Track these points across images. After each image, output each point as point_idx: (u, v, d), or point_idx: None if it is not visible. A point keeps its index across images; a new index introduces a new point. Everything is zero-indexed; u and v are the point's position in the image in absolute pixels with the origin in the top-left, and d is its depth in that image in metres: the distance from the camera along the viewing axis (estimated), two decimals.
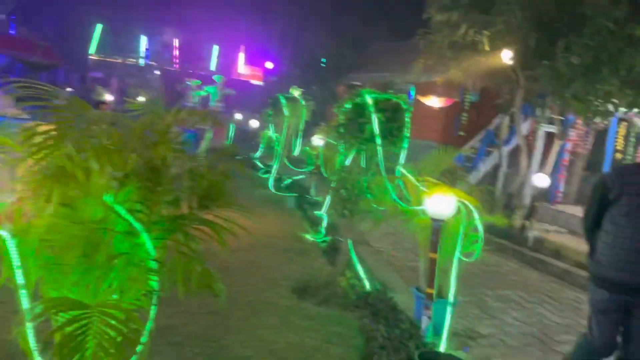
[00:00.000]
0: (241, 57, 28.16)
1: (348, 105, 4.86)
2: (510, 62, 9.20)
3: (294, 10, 24.29)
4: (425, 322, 3.98)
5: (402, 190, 4.69)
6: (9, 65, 19.82)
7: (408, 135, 4.81)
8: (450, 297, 4.34)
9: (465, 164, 13.51)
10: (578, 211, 11.71)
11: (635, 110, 7.71)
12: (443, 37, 9.59)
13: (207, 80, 20.60)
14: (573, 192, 13.34)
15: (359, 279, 5.33)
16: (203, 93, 19.87)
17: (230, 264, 5.60)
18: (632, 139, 11.62)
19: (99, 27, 25.76)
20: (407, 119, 4.82)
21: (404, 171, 4.63)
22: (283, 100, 11.73)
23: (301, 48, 21.88)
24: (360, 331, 4.25)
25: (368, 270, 5.95)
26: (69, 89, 23.32)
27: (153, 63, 25.19)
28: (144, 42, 25.94)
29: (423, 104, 14.05)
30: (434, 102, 13.49)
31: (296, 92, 13.02)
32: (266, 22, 26.41)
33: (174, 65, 26.75)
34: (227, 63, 27.65)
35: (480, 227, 4.15)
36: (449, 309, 4.23)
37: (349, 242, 5.28)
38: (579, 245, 9.48)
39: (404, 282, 6.04)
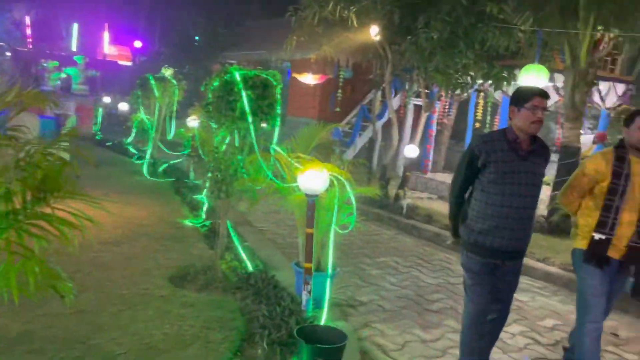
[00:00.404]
0: (106, 36, 26.14)
1: (216, 83, 4.68)
2: (378, 38, 9.53)
3: None
4: (305, 297, 4.01)
5: (277, 168, 4.66)
6: None
7: (280, 112, 4.76)
8: (329, 270, 4.43)
9: (343, 139, 13.90)
10: (446, 178, 12.63)
11: (490, 81, 8.38)
12: (313, 14, 9.65)
13: (67, 61, 18.88)
14: (441, 160, 14.34)
15: (240, 261, 5.25)
16: (62, 75, 18.18)
17: (101, 258, 5.23)
18: (489, 109, 12.69)
19: None
20: (278, 96, 4.76)
21: (277, 149, 4.59)
22: (152, 81, 11.11)
23: (172, 26, 20.87)
24: (242, 313, 4.19)
25: (250, 250, 5.89)
26: None
27: (2, 44, 22.46)
28: None
29: (299, 82, 14.13)
30: (309, 79, 13.61)
31: (168, 72, 12.40)
32: None
33: (27, 45, 24.12)
34: (90, 43, 25.48)
35: (353, 200, 4.25)
36: (328, 282, 4.32)
37: (228, 223, 5.15)
38: (447, 210, 10.24)
39: (286, 259, 6.06)
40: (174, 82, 11.79)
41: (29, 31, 24.48)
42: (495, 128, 13.05)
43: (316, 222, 4.14)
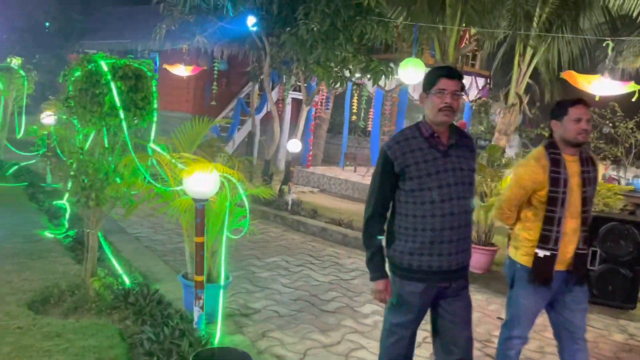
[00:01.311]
0: None
1: (77, 73, 4.01)
2: (255, 29, 9.16)
3: None
4: (197, 313, 3.59)
5: (156, 170, 4.13)
6: None
7: (156, 106, 4.22)
8: (222, 280, 4.03)
9: (221, 135, 13.33)
10: (326, 171, 12.71)
11: (368, 75, 8.46)
12: (184, 1, 9.00)
13: None
14: (320, 154, 14.42)
15: (116, 276, 4.62)
16: None
17: None
18: (364, 102, 12.97)
19: None
20: (153, 88, 4.21)
21: (156, 148, 4.06)
22: None
23: (16, 10, 18.47)
24: (122, 338, 3.64)
25: (126, 262, 5.25)
26: None
27: None
28: None
29: (170, 73, 13.25)
30: (182, 70, 12.81)
31: (15, 62, 10.86)
32: None
33: None
34: None
35: (246, 202, 3.90)
36: (221, 293, 3.92)
37: (99, 234, 4.49)
38: (333, 203, 10.27)
39: (169, 268, 5.52)
40: (22, 73, 10.36)
41: None
42: (370, 121, 13.41)
43: (206, 229, 3.73)
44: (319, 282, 5.67)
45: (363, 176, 12.01)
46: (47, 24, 17.94)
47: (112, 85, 3.92)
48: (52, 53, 17.02)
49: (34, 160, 10.07)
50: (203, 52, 12.43)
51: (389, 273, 2.65)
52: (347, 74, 8.79)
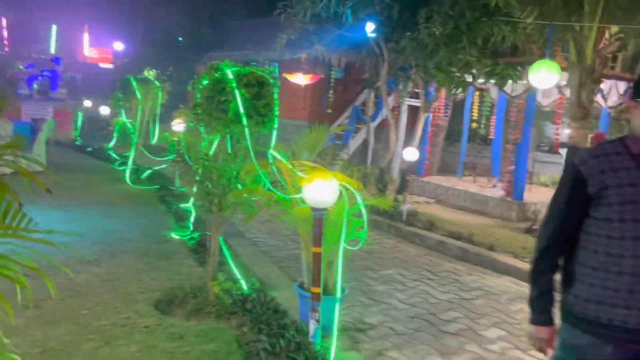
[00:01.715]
0: (86, 37, 25.32)
1: (205, 82, 4.13)
2: (374, 35, 9.03)
3: None
4: (313, 327, 3.48)
5: (276, 177, 4.12)
6: None
7: (277, 113, 4.22)
8: (338, 293, 3.90)
9: (335, 142, 13.39)
10: (443, 180, 12.20)
11: (492, 80, 7.94)
12: (304, 10, 9.13)
13: (45, 64, 18.12)
14: (436, 162, 13.91)
15: (234, 281, 4.69)
16: (40, 79, 17.44)
17: (77, 280, 4.63)
18: (486, 109, 12.28)
19: None
20: (275, 95, 4.22)
21: (277, 155, 4.05)
22: (134, 83, 10.49)
23: (154, 26, 20.19)
24: (239, 345, 3.64)
25: (244, 267, 5.34)
26: None
27: None
28: None
29: (288, 82, 13.60)
30: (300, 79, 13.07)
31: (151, 73, 11.79)
32: None
33: (4, 49, 23.25)
34: (69, 45, 24.64)
35: (364, 212, 3.74)
36: (337, 307, 3.79)
37: (220, 238, 4.60)
38: (450, 215, 9.79)
39: (285, 275, 5.53)
40: (157, 83, 11.19)
41: (5, 33, 23.61)
42: (492, 129, 12.66)
43: (323, 239, 3.62)
44: (438, 300, 5.34)
45: (483, 187, 11.35)
46: (180, 38, 19.38)
47: (237, 92, 3.98)
48: (184, 65, 18.33)
49: (165, 165, 10.82)
50: (321, 60, 12.58)
51: (557, 320, 2.12)
52: (469, 78, 8.33)
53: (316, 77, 13.33)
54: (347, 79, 14.92)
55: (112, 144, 12.84)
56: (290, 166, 3.81)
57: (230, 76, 4.02)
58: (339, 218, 3.74)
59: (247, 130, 4.00)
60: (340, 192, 3.60)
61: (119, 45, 23.36)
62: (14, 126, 9.57)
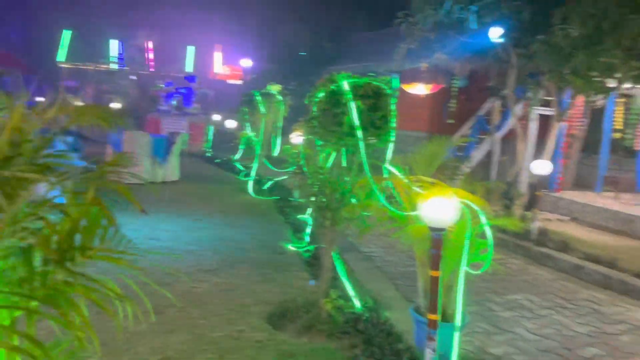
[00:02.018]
0: (217, 56, 27.17)
1: (321, 94, 4.06)
2: (500, 40, 8.46)
3: (270, 4, 23.42)
4: (429, 356, 3.20)
5: (391, 192, 3.91)
6: None
7: (394, 125, 4.02)
8: (457, 320, 3.57)
9: (457, 154, 12.79)
10: (578, 196, 11.05)
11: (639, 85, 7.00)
12: (425, 18, 8.83)
13: (182, 82, 19.71)
14: (571, 176, 12.68)
15: (347, 297, 4.54)
16: (177, 95, 18.98)
17: (197, 289, 4.80)
18: (633, 117, 10.94)
19: (67, 34, 24.68)
20: (392, 106, 4.02)
21: (392, 169, 3.84)
22: (258, 97, 10.91)
23: (279, 43, 21.04)
24: None
25: (357, 283, 5.18)
26: (39, 99, 22.44)
27: (127, 68, 24.17)
28: (115, 46, 24.87)
29: (408, 93, 13.31)
30: (420, 89, 12.71)
31: (274, 88, 12.20)
32: (243, 19, 25.49)
33: (149, 69, 25.73)
34: (202, 63, 26.65)
35: (489, 233, 3.39)
36: (457, 336, 3.47)
37: (334, 255, 4.49)
38: (587, 235, 8.80)
39: (400, 294, 5.28)
40: (280, 98, 11.54)
41: (150, 55, 26.17)
42: (638, 139, 11.25)
43: (441, 261, 3.33)
44: (574, 333, 4.73)
45: (627, 204, 10.07)
46: (303, 53, 19.99)
47: (352, 104, 3.85)
48: (306, 79, 18.84)
49: (285, 177, 11.08)
50: (442, 69, 12.13)
51: None
52: (611, 84, 7.44)
53: (437, 86, 12.87)
54: (470, 88, 14.24)
55: (237, 155, 13.48)
56: (406, 181, 3.59)
57: (347, 88, 3.91)
58: (460, 239, 3.43)
59: (361, 144, 3.85)
60: (462, 211, 3.30)
61: (247, 62, 24.71)
62: (152, 139, 10.41)
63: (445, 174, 3.95)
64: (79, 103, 19.68)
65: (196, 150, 16.40)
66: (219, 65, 27.42)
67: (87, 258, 1.41)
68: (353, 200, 3.94)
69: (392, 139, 4.05)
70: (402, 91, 13.40)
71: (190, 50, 26.91)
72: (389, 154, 4.03)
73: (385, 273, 6.12)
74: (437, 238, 3.19)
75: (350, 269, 5.69)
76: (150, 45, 26.99)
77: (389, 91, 3.98)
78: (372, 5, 20.60)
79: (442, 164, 4.33)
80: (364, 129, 3.91)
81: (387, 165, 3.88)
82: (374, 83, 3.94)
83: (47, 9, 25.11)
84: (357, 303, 4.46)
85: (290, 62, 19.49)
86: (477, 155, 13.75)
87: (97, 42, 26.14)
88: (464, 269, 3.43)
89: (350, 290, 4.66)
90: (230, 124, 15.51)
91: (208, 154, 15.96)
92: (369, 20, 19.81)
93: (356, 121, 3.84)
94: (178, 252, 5.92)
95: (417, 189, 3.49)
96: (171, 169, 10.93)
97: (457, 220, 3.21)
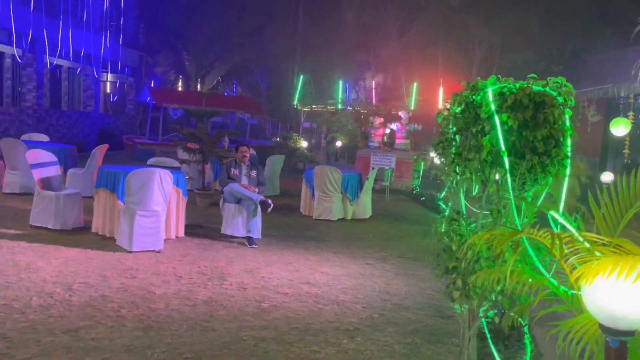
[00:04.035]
0: (440, 91, 26.40)
1: (458, 109, 2.90)
2: None
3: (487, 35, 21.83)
4: None
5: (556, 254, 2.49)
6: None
7: (570, 151, 2.61)
8: None
9: None
10: None
11: None
12: None
13: (393, 118, 19.44)
14: None
15: None
16: (387, 131, 18.74)
17: (316, 355, 3.95)
18: None
19: (301, 79, 27.03)
20: (567, 122, 2.63)
21: (558, 218, 2.45)
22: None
23: (501, 71, 19.20)
24: None
25: None
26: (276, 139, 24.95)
27: (350, 108, 25.19)
28: (341, 88, 26.28)
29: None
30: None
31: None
32: (463, 53, 24.38)
33: (372, 107, 26.39)
34: (425, 99, 26.21)
35: None
36: None
37: (487, 333, 3.15)
38: None
39: None
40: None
41: (373, 94, 26.94)
42: None
43: None
44: None
45: None
46: (533, 75, 17.82)
47: (496, 118, 2.61)
48: None
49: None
50: None
51: None
52: None
53: None
54: None
55: (442, 194, 12.35)
56: (575, 238, 2.18)
57: (490, 97, 2.68)
58: None
59: (509, 177, 2.56)
60: None
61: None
62: (342, 175, 10.04)
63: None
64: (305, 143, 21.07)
65: (404, 187, 15.71)
66: (441, 100, 26.63)
67: None
68: (482, 263, 2.63)
69: (567, 171, 2.64)
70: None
71: (415, 87, 26.79)
72: (563, 197, 2.62)
73: None
74: (614, 347, 1.76)
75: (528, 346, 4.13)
76: (374, 84, 27.82)
77: (560, 99, 2.61)
78: (611, 20, 17.32)
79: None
80: (517, 154, 2.61)
81: (553, 213, 2.49)
82: (534, 87, 2.62)
83: (286, 57, 27.97)
84: None
85: None
86: None
87: (326, 84, 28.04)
88: None
89: None
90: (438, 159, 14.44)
91: (415, 191, 15.11)
92: (607, 40, 16.68)
93: (501, 144, 2.58)
94: (323, 302, 5.17)
95: (594, 254, 2.07)
96: (362, 206, 10.39)
97: None
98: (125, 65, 24.42)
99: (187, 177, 12.36)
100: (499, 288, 2.54)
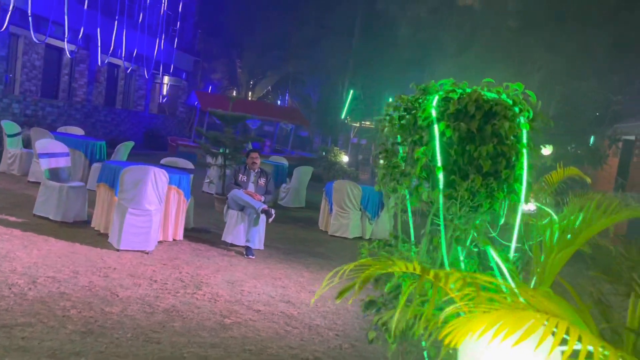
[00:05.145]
0: None
1: (395, 115, 2.44)
2: None
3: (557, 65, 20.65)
4: None
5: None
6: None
7: (525, 173, 2.10)
8: None
9: None
10: None
11: None
12: None
13: None
14: None
15: None
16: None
17: None
18: None
19: (352, 94, 26.74)
20: (524, 136, 2.13)
21: (495, 255, 1.94)
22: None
23: (557, 102, 18.11)
24: None
25: None
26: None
27: None
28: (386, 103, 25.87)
29: None
30: None
31: (545, 151, 10.30)
32: (522, 77, 23.26)
33: None
34: None
35: None
36: None
37: None
38: None
39: None
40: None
41: None
42: None
43: None
44: None
45: None
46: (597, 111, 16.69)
47: (435, 128, 2.15)
48: (581, 140, 15.56)
49: None
50: None
51: None
52: None
53: None
54: None
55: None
56: (469, 281, 1.68)
57: (435, 103, 2.22)
58: None
59: (441, 199, 2.08)
60: None
61: None
62: (362, 192, 9.59)
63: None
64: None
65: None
66: None
67: None
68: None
69: (522, 199, 2.13)
70: None
71: None
72: (515, 233, 2.11)
73: None
74: None
75: None
76: None
77: (516, 108, 2.12)
78: None
79: None
80: (460, 172, 2.13)
81: (493, 251, 1.99)
82: (485, 94, 2.14)
83: (338, 71, 27.83)
84: None
85: (567, 121, 16.41)
86: None
87: (377, 100, 27.64)
88: None
89: None
90: None
91: None
92: None
93: (438, 159, 2.11)
94: (294, 324, 4.74)
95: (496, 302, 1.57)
96: (382, 226, 9.87)
97: None
98: (179, 69, 24.97)
99: (207, 180, 12.26)
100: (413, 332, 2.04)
